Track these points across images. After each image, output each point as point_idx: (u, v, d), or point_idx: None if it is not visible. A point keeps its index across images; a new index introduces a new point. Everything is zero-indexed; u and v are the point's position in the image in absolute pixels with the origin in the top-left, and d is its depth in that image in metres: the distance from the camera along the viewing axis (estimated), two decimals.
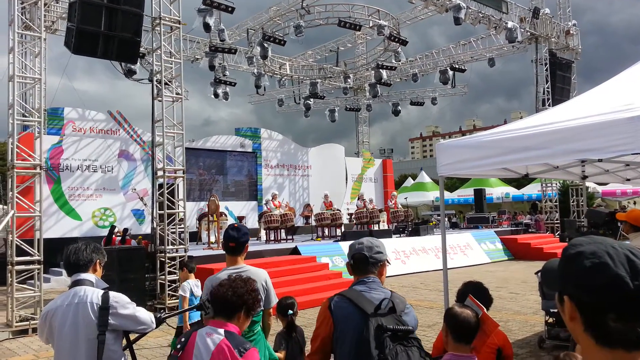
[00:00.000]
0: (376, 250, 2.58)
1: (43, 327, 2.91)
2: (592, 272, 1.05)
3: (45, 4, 12.25)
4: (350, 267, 2.65)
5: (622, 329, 1.03)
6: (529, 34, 20.25)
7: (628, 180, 7.27)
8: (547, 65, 20.56)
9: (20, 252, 9.17)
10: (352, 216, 18.74)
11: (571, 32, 21.67)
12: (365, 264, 2.56)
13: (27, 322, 8.87)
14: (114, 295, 2.85)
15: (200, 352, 2.39)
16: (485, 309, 2.85)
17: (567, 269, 1.11)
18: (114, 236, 13.17)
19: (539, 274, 7.00)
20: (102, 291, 2.86)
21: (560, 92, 20.55)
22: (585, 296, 1.07)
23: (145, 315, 2.93)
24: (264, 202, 18.49)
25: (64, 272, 14.11)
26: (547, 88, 20.53)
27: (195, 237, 16.65)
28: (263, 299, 3.29)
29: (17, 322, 8.90)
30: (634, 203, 25.89)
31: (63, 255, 2.97)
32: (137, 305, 2.95)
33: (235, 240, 3.37)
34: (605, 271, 1.04)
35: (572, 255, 1.11)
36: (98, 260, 3.01)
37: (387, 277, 2.75)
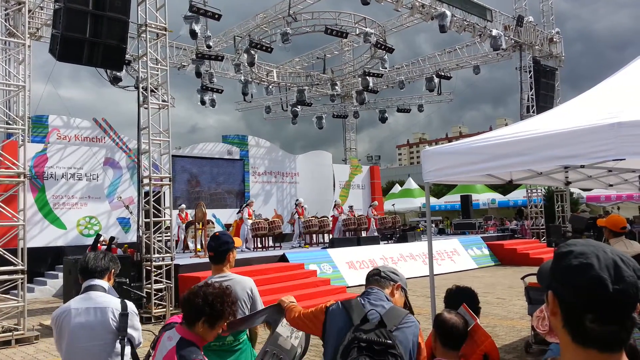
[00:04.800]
0: (391, 269, 2.66)
1: (54, 328, 2.95)
2: (576, 271, 1.08)
3: (29, 11, 12.16)
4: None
5: (598, 330, 1.06)
6: (513, 41, 20.52)
7: (611, 185, 7.37)
8: (532, 72, 20.81)
9: (3, 261, 8.99)
10: (341, 223, 18.75)
11: (555, 39, 21.99)
12: (375, 276, 2.60)
13: (10, 333, 8.69)
14: (130, 304, 2.98)
15: (161, 354, 2.41)
16: (477, 320, 2.86)
17: (555, 265, 1.15)
18: (99, 245, 13.01)
19: (525, 279, 7.06)
20: (119, 298, 3.00)
21: (544, 98, 20.83)
22: (567, 293, 1.09)
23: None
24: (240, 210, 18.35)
25: (48, 281, 13.93)
26: (532, 95, 20.77)
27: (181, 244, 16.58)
28: (246, 307, 3.26)
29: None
30: (618, 208, 26.20)
31: (80, 260, 3.11)
32: None
33: (214, 250, 3.34)
34: (588, 271, 1.07)
35: (562, 253, 1.14)
36: (113, 270, 3.14)
37: None
